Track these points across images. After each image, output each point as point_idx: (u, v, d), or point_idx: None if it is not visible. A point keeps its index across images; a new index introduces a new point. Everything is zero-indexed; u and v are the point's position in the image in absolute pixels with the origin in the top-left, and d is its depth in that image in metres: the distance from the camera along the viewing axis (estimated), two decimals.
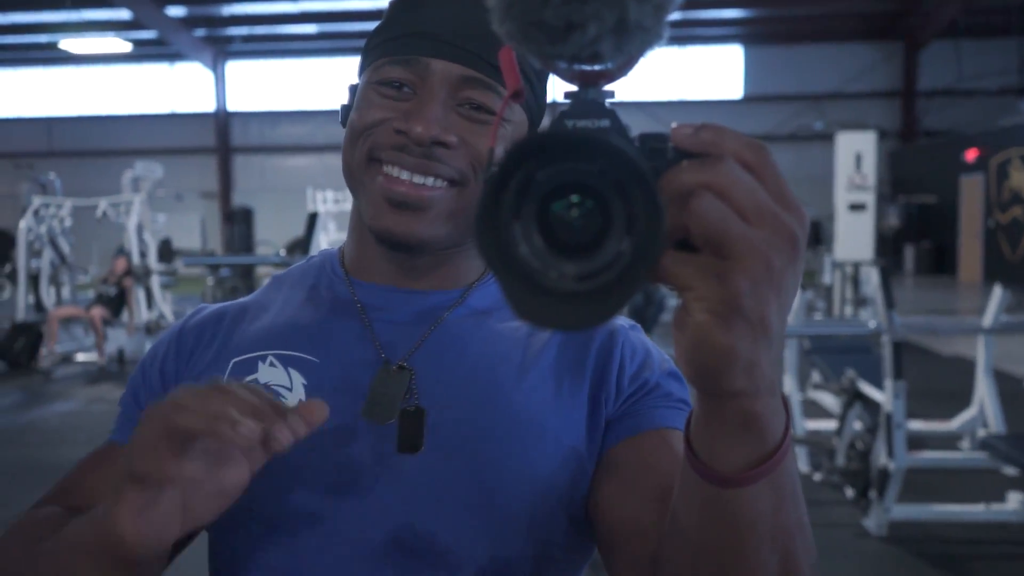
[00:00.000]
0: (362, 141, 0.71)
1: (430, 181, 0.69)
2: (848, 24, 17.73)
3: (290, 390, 0.71)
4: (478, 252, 0.38)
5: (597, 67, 0.40)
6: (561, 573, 0.71)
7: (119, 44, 15.79)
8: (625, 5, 0.37)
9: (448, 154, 0.69)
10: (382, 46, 0.72)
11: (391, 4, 0.76)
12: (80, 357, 8.23)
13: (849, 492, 3.99)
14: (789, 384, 4.84)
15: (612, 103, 0.41)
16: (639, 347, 0.75)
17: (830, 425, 4.64)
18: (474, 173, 0.70)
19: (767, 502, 0.46)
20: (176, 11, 16.92)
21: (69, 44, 15.49)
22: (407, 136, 0.68)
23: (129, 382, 0.80)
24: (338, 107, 0.79)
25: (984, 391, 4.28)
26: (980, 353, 4.30)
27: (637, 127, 0.40)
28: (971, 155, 14.65)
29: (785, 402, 0.45)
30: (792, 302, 0.40)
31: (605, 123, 0.39)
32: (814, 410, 5.45)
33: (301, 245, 5.76)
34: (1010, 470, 3.93)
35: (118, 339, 8.07)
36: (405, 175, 0.69)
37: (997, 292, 4.14)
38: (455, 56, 0.69)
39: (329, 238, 12.03)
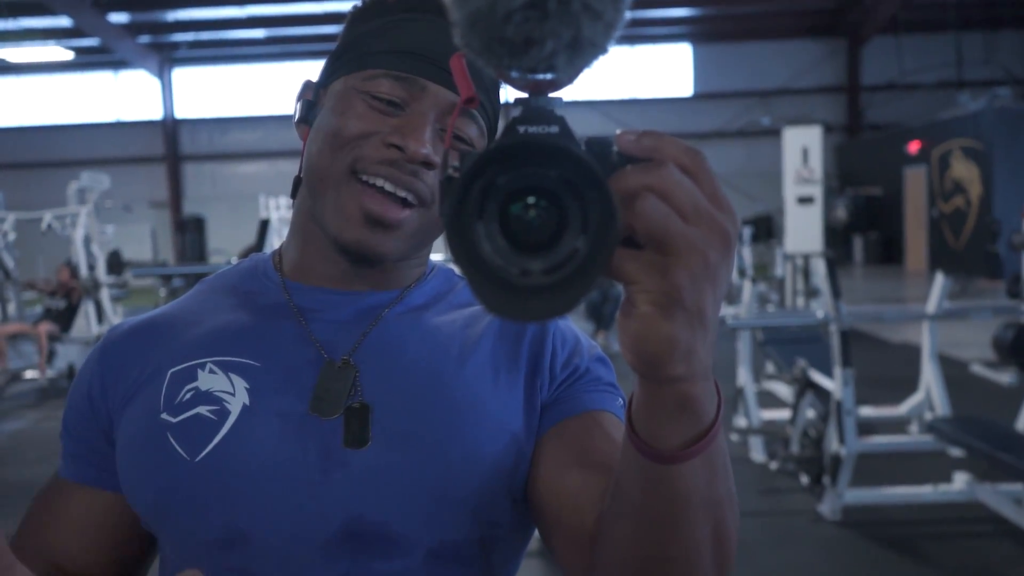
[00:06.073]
0: (347, 151, 0.71)
1: (410, 197, 0.71)
2: (793, 21, 18.10)
3: (233, 395, 0.71)
4: (448, 251, 0.41)
5: (549, 76, 0.43)
6: (506, 551, 0.75)
7: (60, 52, 15.42)
8: (579, 24, 0.40)
9: (428, 175, 0.72)
10: (380, 57, 0.73)
11: (389, 3, 0.75)
12: (29, 374, 8.02)
13: (804, 479, 4.08)
14: (744, 376, 4.92)
15: (560, 109, 0.44)
16: (569, 335, 0.80)
17: (784, 414, 4.74)
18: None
19: (702, 476, 0.50)
20: (119, 17, 16.54)
21: (8, 54, 15.07)
22: (402, 152, 0.70)
23: (62, 417, 0.79)
24: (291, 111, 0.79)
25: (930, 376, 4.40)
26: (925, 339, 4.43)
27: (590, 126, 0.43)
28: (914, 147, 15.03)
29: (716, 385, 0.48)
30: (724, 295, 0.43)
31: (555, 129, 0.42)
32: (769, 400, 5.55)
33: (253, 252, 5.70)
34: (956, 451, 4.06)
35: (68, 354, 7.88)
36: (389, 186, 0.70)
37: (939, 279, 4.25)
38: (450, 84, 0.72)
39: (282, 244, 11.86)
